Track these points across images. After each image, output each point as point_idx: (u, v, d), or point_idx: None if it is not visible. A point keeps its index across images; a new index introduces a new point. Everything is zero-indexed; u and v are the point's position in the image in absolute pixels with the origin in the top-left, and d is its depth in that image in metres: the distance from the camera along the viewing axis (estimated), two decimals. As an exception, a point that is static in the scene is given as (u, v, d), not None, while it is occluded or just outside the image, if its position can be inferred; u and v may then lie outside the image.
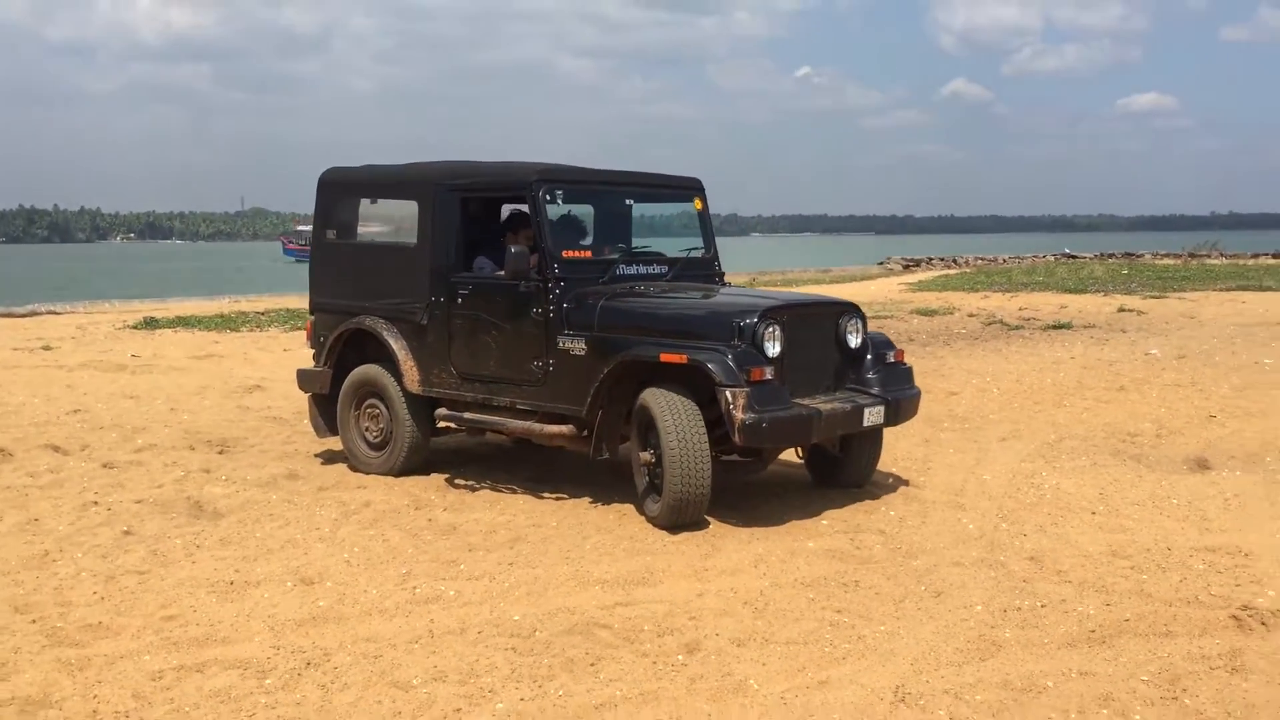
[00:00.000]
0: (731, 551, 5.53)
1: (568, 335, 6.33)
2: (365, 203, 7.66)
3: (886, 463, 7.19)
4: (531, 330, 6.47)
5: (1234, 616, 4.59)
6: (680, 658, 4.22)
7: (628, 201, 7.32)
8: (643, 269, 6.96)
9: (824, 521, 6.06)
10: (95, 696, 3.88)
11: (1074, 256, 42.89)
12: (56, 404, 10.05)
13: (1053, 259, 42.43)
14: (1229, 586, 4.98)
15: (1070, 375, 11.40)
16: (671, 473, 5.74)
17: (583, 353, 6.26)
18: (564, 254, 6.51)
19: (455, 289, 6.81)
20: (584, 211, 7.30)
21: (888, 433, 6.89)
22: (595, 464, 6.74)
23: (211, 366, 12.90)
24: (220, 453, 7.98)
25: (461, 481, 7.04)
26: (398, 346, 7.01)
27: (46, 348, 14.50)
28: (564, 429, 6.42)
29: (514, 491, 6.80)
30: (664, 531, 5.85)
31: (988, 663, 4.16)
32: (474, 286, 6.78)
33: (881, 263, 45.15)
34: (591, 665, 4.16)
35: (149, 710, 3.78)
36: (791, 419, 5.81)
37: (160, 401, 10.23)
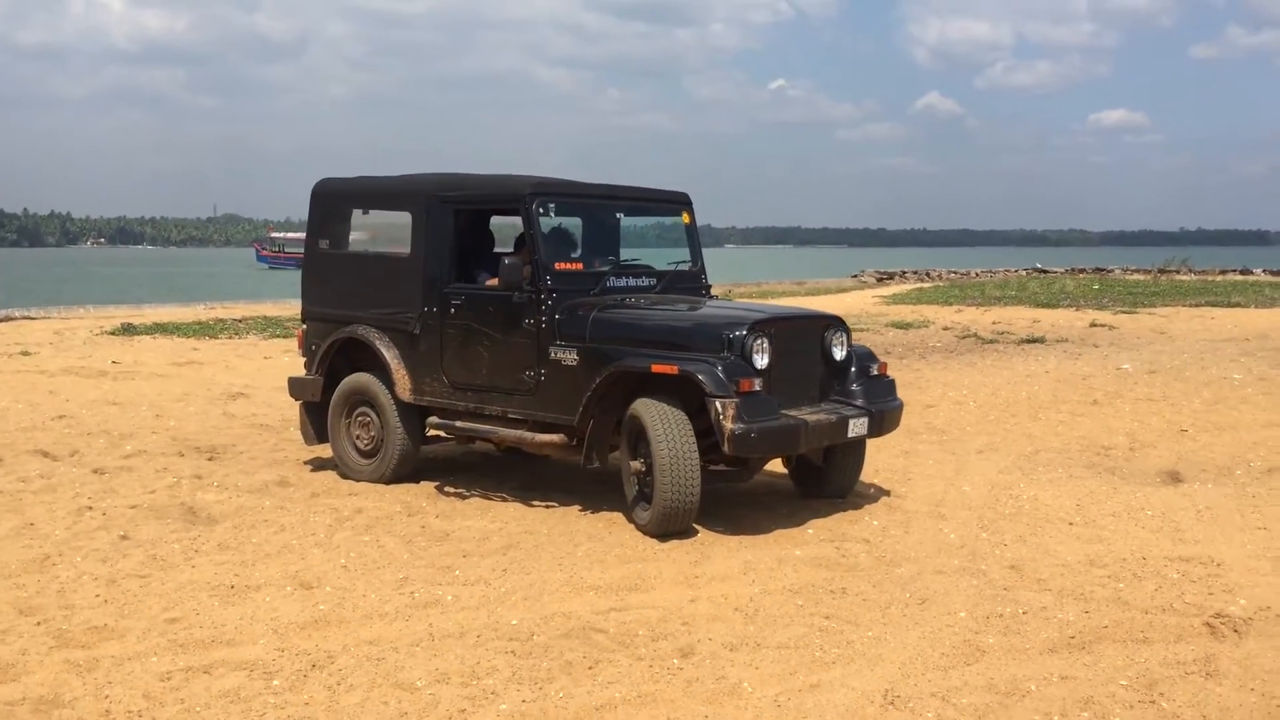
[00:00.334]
0: (720, 559, 5.67)
1: (560, 346, 6.45)
2: (358, 213, 7.76)
3: (868, 473, 7.34)
4: (524, 340, 6.59)
5: (1207, 624, 4.76)
6: (675, 661, 4.35)
7: (617, 215, 7.47)
8: (632, 281, 7.10)
9: (809, 530, 6.21)
10: (107, 697, 3.96)
11: (1045, 271, 43.35)
12: (40, 409, 10.06)
13: (1024, 273, 42.86)
14: (1202, 595, 5.16)
15: (1044, 389, 11.61)
16: (662, 482, 5.87)
17: (574, 363, 6.39)
18: (556, 266, 6.64)
19: (448, 299, 6.93)
20: (573, 224, 7.43)
21: (869, 444, 7.05)
22: (582, 472, 6.87)
23: (193, 373, 12.92)
24: (210, 459, 8.05)
25: (451, 489, 7.14)
26: (390, 355, 7.11)
27: (25, 353, 14.47)
28: (555, 438, 6.54)
29: (504, 499, 6.91)
30: (654, 539, 5.98)
31: (973, 667, 4.31)
32: (467, 297, 6.90)
33: (855, 275, 45.47)
34: (589, 668, 4.28)
35: (161, 710, 3.88)
36: (779, 429, 5.96)
37: (144, 408, 10.27)
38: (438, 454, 7.93)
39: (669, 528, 5.97)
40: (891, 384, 6.87)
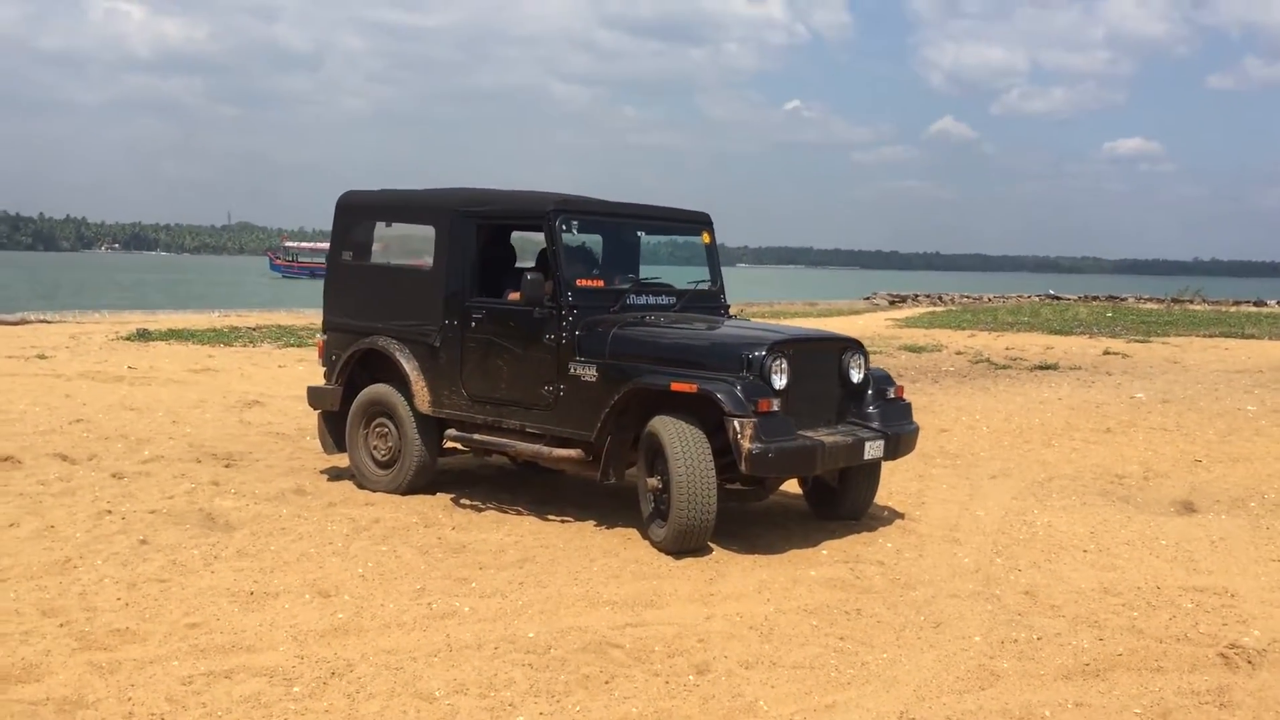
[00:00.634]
0: (735, 578, 5.69)
1: (579, 362, 6.50)
2: (381, 226, 7.83)
3: (882, 496, 7.36)
4: (544, 355, 6.64)
5: (1221, 654, 4.77)
6: (691, 678, 4.38)
7: (638, 233, 7.53)
8: (652, 299, 7.15)
9: (824, 551, 6.23)
10: (130, 699, 4.01)
11: (1058, 298, 43.29)
12: (58, 413, 10.14)
13: (1037, 299, 42.83)
14: (1216, 625, 5.17)
15: (1058, 416, 11.62)
16: (678, 499, 5.90)
17: (594, 379, 6.43)
18: (577, 283, 6.69)
19: (469, 312, 6.98)
20: (594, 241, 7.49)
21: (883, 467, 7.08)
22: (598, 488, 6.91)
23: (208, 380, 13.00)
24: (227, 466, 8.10)
25: (467, 501, 7.18)
26: (410, 367, 7.17)
27: (42, 356, 14.57)
28: (572, 453, 6.58)
29: (519, 513, 6.95)
30: (669, 556, 6.01)
31: (987, 692, 4.33)
32: (488, 311, 6.95)
33: (868, 297, 45.46)
34: (606, 683, 4.30)
35: (183, 714, 3.92)
36: (796, 450, 5.99)
37: (161, 414, 10.34)
38: (454, 466, 7.97)
39: (684, 545, 6.00)
40: (908, 407, 6.90)
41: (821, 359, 6.63)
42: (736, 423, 5.83)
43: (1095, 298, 42.93)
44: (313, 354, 13.28)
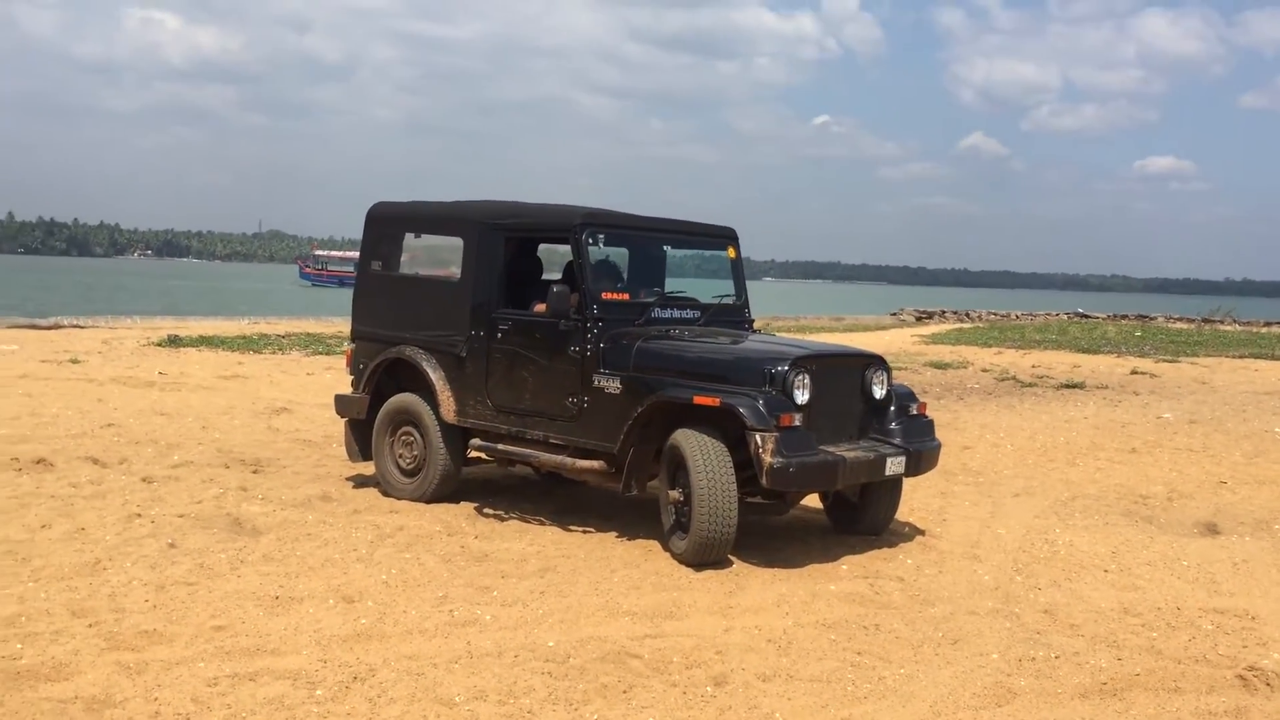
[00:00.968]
0: (755, 591, 5.73)
1: (603, 374, 6.56)
2: (410, 237, 7.93)
3: (903, 513, 7.38)
4: (568, 367, 6.70)
5: (1240, 676, 4.76)
6: (709, 689, 4.42)
7: (664, 247, 7.60)
8: (676, 313, 7.20)
9: (843, 566, 6.26)
10: (156, 699, 4.08)
11: (1086, 316, 43.05)
12: (90, 417, 10.29)
13: (1065, 317, 42.60)
14: (1236, 647, 5.16)
15: (1083, 435, 11.58)
16: (700, 512, 5.94)
17: (617, 391, 6.49)
18: (603, 295, 6.76)
19: (495, 324, 7.06)
20: (620, 255, 7.56)
21: (905, 484, 7.09)
22: (620, 500, 6.95)
23: (237, 387, 13.15)
24: (254, 472, 8.20)
25: (490, 511, 7.25)
26: (436, 377, 7.25)
27: (74, 361, 14.78)
28: (595, 464, 6.64)
29: (542, 523, 7.01)
30: (689, 568, 6.05)
31: (1004, 709, 4.35)
32: (514, 322, 7.02)
33: (894, 313, 45.34)
34: (624, 692, 4.35)
35: (208, 714, 3.99)
36: (818, 465, 6.03)
37: (190, 419, 10.47)
38: (478, 476, 8.04)
39: (705, 557, 6.04)
40: (930, 424, 6.92)
41: (844, 374, 6.66)
42: (758, 437, 5.87)
43: (1124, 316, 42.66)
44: (341, 362, 13.40)
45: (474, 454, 7.46)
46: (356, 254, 8.65)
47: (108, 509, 6.83)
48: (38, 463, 8.03)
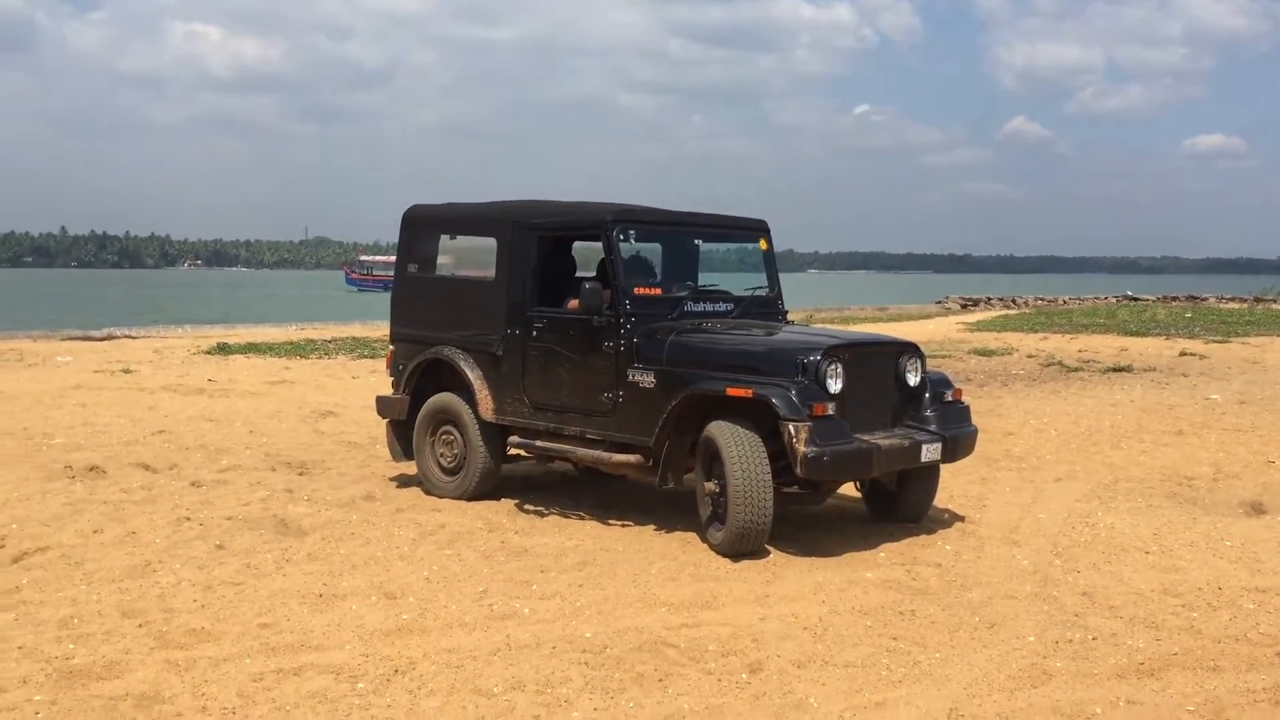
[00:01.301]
0: (792, 579, 5.76)
1: (637, 369, 6.61)
2: (446, 238, 8.03)
3: (943, 499, 7.38)
4: (603, 363, 6.77)
5: (1281, 654, 4.74)
6: (744, 676, 4.46)
7: (696, 241, 7.64)
8: (709, 306, 7.24)
9: (881, 554, 6.27)
10: (204, 694, 4.20)
11: (1136, 299, 42.53)
12: (141, 425, 10.50)
13: (1114, 301, 42.13)
14: (1277, 626, 5.13)
15: (1128, 418, 11.48)
16: (735, 503, 5.99)
17: (651, 385, 6.54)
18: (636, 291, 6.82)
19: (530, 322, 7.14)
20: (652, 250, 7.61)
21: (944, 470, 7.08)
22: (658, 493, 7.01)
23: (284, 392, 13.36)
24: (300, 474, 8.35)
25: (530, 507, 7.33)
26: (474, 376, 7.34)
27: (126, 370, 15.09)
28: (632, 458, 6.70)
29: (581, 518, 7.08)
30: (726, 559, 6.09)
31: (1039, 690, 4.36)
32: (548, 320, 7.10)
33: (939, 301, 45.04)
34: (660, 681, 4.41)
35: (254, 708, 4.10)
36: (852, 453, 6.05)
37: (239, 424, 10.66)
38: (518, 472, 8.13)
39: (742, 548, 6.08)
40: (966, 410, 6.91)
41: (878, 363, 6.67)
42: (791, 427, 5.90)
43: (1175, 298, 42.13)
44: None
45: (513, 451, 7.56)
46: None
47: (158, 513, 6.99)
48: (91, 470, 8.22)
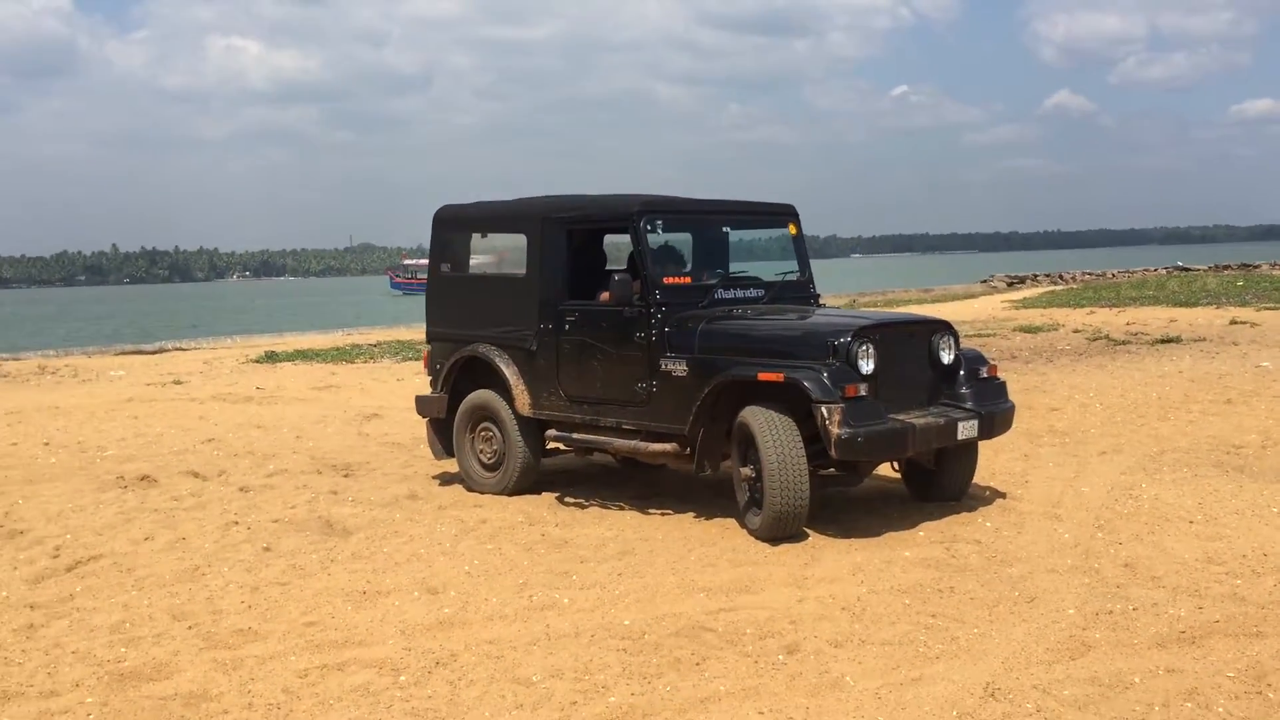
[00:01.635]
0: (830, 561, 5.77)
1: (670, 358, 6.64)
2: (477, 237, 8.10)
3: (984, 477, 7.34)
4: (635, 354, 6.80)
5: (1326, 618, 4.68)
6: (780, 658, 4.49)
7: (724, 229, 7.65)
8: (740, 293, 7.25)
9: (920, 533, 6.26)
10: (250, 692, 4.30)
11: (1187, 269, 41.87)
12: (192, 434, 10.70)
13: (1164, 272, 41.50)
14: (1324, 590, 5.06)
15: (1176, 389, 11.34)
16: (771, 487, 6.00)
17: (684, 374, 6.57)
18: (665, 280, 6.85)
19: (563, 316, 7.19)
20: (683, 239, 7.63)
21: (986, 448, 7.05)
22: (697, 481, 7.04)
23: (331, 397, 13.53)
24: (345, 476, 8.47)
25: (571, 499, 7.39)
26: (509, 372, 7.41)
27: (177, 382, 15.34)
28: (668, 447, 6.73)
29: (621, 508, 7.12)
30: (765, 543, 6.11)
31: (1077, 661, 4.34)
32: (580, 313, 7.15)
33: (985, 280, 44.60)
34: (697, 664, 4.44)
35: (297, 703, 4.19)
36: (886, 433, 6.04)
37: (286, 430, 10.82)
38: (559, 466, 8.19)
39: (780, 532, 6.10)
40: (1002, 386, 6.87)
41: (910, 342, 6.66)
42: (824, 409, 5.91)
43: (1227, 266, 41.42)
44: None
45: (553, 444, 7.62)
46: None
47: (207, 519, 7.13)
48: (142, 479, 8.39)
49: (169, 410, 12.51)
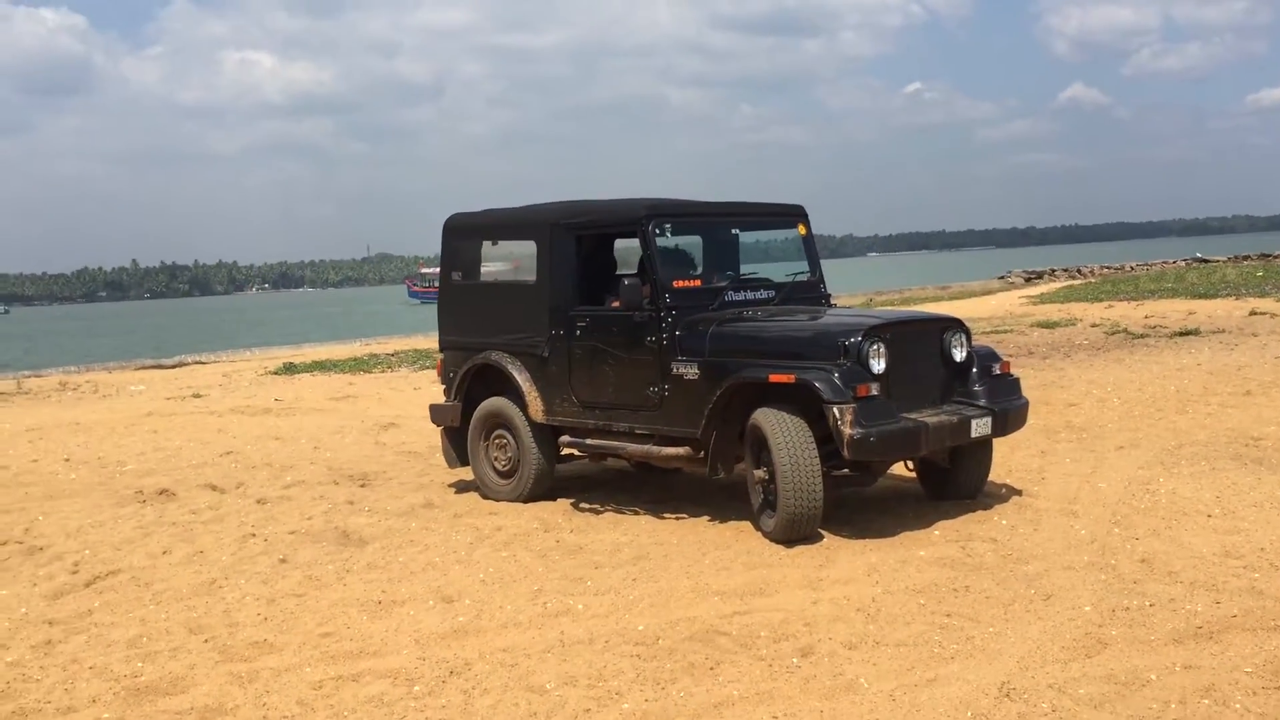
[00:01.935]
0: (845, 562, 5.75)
1: (681, 361, 6.64)
2: (487, 245, 8.12)
3: (1001, 474, 7.31)
4: (646, 358, 6.80)
5: (1346, 611, 4.64)
6: (795, 660, 4.47)
7: (734, 231, 7.64)
8: (750, 295, 7.24)
9: (935, 531, 6.24)
10: (265, 704, 4.31)
11: (1206, 260, 41.61)
12: (210, 447, 10.75)
13: (1183, 264, 41.25)
14: (1344, 582, 5.01)
15: (1195, 381, 11.26)
16: (785, 489, 5.99)
17: (696, 377, 6.56)
18: (675, 284, 6.84)
19: (574, 322, 7.20)
20: (693, 242, 7.63)
21: (1002, 444, 7.01)
22: (712, 485, 7.03)
23: (348, 407, 13.58)
24: (362, 486, 8.49)
25: (586, 505, 7.39)
26: (522, 379, 7.42)
27: (196, 395, 15.44)
28: (681, 451, 6.73)
29: (636, 513, 7.12)
30: (780, 546, 6.09)
31: (1093, 659, 4.31)
32: (591, 319, 7.15)
33: (1002, 276, 44.44)
34: (711, 669, 4.44)
35: (313, 715, 4.20)
36: (899, 432, 6.02)
37: (304, 441, 10.86)
38: (574, 472, 8.20)
39: (794, 534, 6.09)
40: (1016, 382, 6.84)
41: (921, 340, 6.63)
42: (836, 409, 5.89)
43: (1246, 257, 41.16)
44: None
45: (567, 450, 7.62)
46: None
47: (224, 531, 7.16)
48: (161, 493, 8.44)
49: (188, 424, 12.58)
